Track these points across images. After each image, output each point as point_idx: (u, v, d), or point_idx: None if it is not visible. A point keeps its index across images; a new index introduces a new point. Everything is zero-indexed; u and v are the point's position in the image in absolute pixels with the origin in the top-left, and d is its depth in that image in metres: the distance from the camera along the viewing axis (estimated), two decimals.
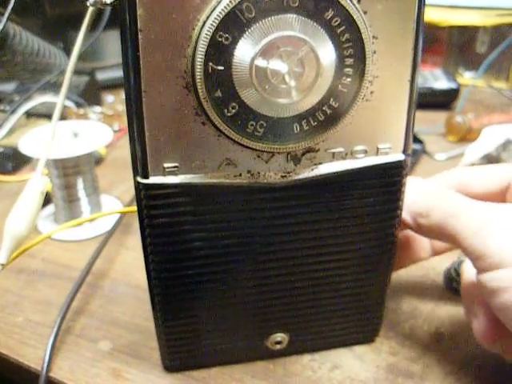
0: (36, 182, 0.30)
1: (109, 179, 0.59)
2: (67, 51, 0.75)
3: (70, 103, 0.74)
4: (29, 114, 0.73)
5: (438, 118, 0.72)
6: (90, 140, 0.49)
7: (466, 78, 0.88)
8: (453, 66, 0.91)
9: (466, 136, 0.67)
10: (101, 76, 0.85)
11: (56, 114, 0.29)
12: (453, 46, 0.91)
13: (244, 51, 0.23)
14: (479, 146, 0.56)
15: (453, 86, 0.78)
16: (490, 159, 0.54)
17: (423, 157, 0.64)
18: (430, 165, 0.62)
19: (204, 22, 0.23)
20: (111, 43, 0.92)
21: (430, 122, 0.71)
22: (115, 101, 0.85)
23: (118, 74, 0.87)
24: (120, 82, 0.96)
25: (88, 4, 0.27)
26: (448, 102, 0.78)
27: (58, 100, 0.29)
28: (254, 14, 0.23)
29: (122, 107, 0.77)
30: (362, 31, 0.24)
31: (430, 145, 0.66)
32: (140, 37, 0.23)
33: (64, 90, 0.29)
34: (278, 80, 0.24)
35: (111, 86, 0.88)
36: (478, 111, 0.69)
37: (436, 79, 0.78)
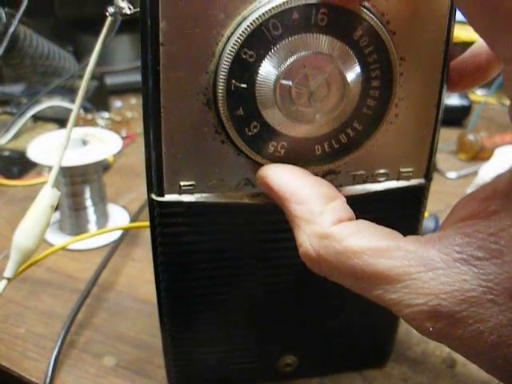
0: (46, 194, 0.29)
1: (116, 187, 0.58)
2: (77, 55, 0.74)
3: None
4: (36, 118, 0.73)
5: (450, 135, 0.71)
6: (99, 148, 0.48)
7: (478, 95, 0.88)
8: None
9: (478, 155, 0.66)
10: (109, 81, 0.84)
11: (70, 123, 0.28)
12: None
13: (269, 69, 0.23)
14: (493, 166, 0.55)
15: (465, 102, 0.77)
16: None
17: (434, 175, 0.63)
18: (441, 183, 0.61)
19: (228, 38, 0.22)
20: (121, 48, 0.91)
21: (441, 139, 0.70)
22: (123, 106, 0.84)
23: (127, 79, 0.87)
24: (128, 88, 0.95)
25: (107, 14, 0.26)
26: (460, 119, 0.78)
27: (74, 108, 0.28)
28: (280, 32, 0.22)
29: (130, 113, 0.76)
30: (390, 52, 0.24)
31: (441, 162, 0.65)
32: (161, 50, 0.23)
33: (79, 99, 0.28)
34: (303, 100, 0.23)
35: (120, 91, 0.87)
36: (490, 129, 0.68)
37: (448, 96, 0.77)
